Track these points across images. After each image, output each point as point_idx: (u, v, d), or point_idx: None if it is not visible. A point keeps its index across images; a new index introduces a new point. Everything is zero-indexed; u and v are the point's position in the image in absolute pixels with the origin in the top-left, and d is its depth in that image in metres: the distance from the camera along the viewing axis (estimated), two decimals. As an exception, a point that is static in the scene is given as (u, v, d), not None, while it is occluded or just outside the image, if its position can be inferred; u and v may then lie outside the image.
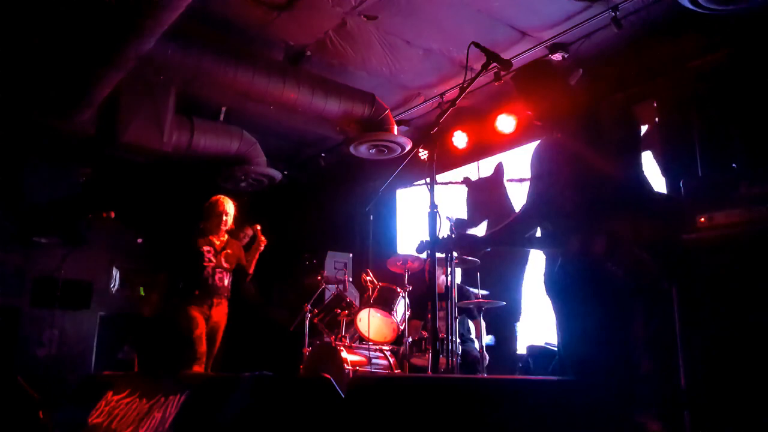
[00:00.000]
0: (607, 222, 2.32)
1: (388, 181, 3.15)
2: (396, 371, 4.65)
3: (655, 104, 5.03)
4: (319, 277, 5.50)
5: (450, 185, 6.88)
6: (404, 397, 2.01)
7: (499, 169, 6.37)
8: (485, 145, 6.26)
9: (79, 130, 5.71)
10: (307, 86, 5.46)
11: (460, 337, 4.72)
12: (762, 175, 2.81)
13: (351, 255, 6.88)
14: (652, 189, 2.58)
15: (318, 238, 7.74)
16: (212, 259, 4.85)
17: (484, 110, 6.04)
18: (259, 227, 5.10)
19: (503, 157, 6.36)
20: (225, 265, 4.90)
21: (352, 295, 5.67)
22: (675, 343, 2.75)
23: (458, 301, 4.73)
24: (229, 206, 4.98)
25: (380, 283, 4.96)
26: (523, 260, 5.89)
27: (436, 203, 2.71)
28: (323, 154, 7.54)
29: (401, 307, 4.81)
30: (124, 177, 7.39)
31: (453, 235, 2.86)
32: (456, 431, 1.90)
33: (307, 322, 5.04)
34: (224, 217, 4.92)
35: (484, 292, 4.99)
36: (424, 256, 2.98)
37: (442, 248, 2.71)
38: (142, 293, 8.29)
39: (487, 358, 4.70)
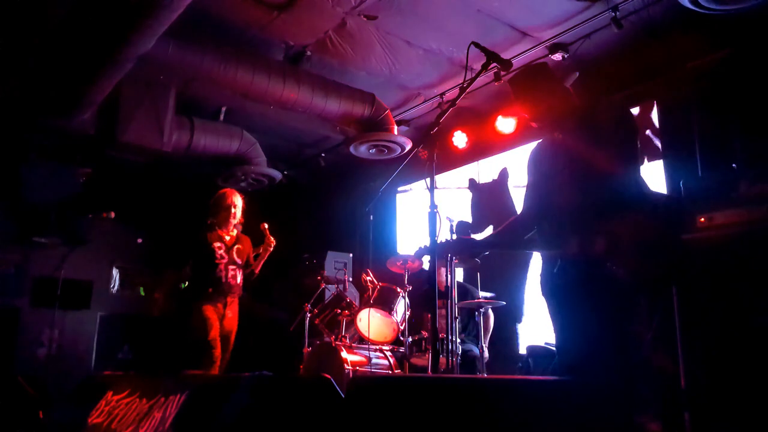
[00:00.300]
0: (607, 222, 2.32)
1: (388, 181, 3.15)
2: (396, 371, 4.65)
3: (655, 104, 5.03)
4: (319, 277, 5.49)
5: (451, 189, 6.86)
6: (404, 397, 2.00)
7: (503, 174, 6.37)
8: (485, 145, 6.26)
9: (79, 130, 5.70)
10: (307, 86, 5.45)
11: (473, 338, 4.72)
12: (762, 175, 2.80)
13: (351, 255, 6.89)
14: (651, 189, 2.58)
15: (318, 238, 7.74)
16: (224, 255, 4.74)
17: (484, 110, 6.04)
18: (266, 226, 4.96)
19: (503, 158, 6.36)
20: (237, 260, 4.79)
21: (352, 295, 5.67)
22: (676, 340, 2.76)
23: (462, 300, 4.76)
24: (237, 199, 4.88)
25: (380, 283, 4.96)
26: (525, 262, 5.89)
27: (435, 203, 2.71)
28: (323, 154, 7.53)
29: (401, 307, 4.81)
30: (124, 177, 7.39)
31: (453, 238, 2.86)
32: (456, 431, 1.90)
33: (307, 322, 5.03)
34: (233, 210, 4.82)
35: (490, 294, 4.99)
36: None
37: (441, 253, 2.70)
38: (142, 293, 8.30)
39: (487, 356, 4.72)
